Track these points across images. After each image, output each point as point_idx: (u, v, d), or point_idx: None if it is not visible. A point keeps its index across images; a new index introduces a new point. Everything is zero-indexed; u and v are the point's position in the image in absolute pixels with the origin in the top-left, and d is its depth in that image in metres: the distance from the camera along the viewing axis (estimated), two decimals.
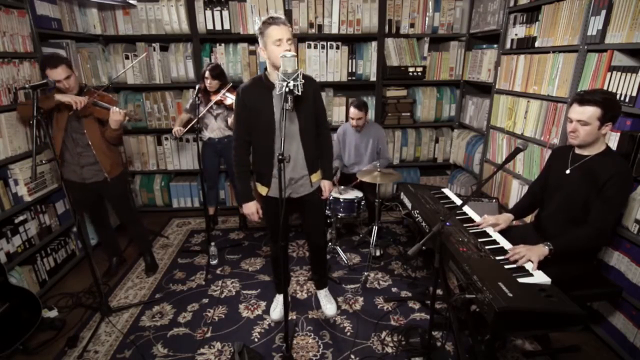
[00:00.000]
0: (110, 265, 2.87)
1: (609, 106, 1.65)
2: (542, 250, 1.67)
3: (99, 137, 2.43)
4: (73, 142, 2.39)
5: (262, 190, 2.07)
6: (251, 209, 2.07)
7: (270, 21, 1.77)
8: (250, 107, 1.91)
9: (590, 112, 1.67)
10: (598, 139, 1.75)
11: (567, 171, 1.86)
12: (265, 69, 1.93)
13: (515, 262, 1.66)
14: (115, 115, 2.31)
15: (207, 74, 2.97)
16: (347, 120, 3.71)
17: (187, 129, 3.04)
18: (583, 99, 1.69)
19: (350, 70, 3.63)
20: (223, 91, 3.01)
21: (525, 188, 2.59)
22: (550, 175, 1.99)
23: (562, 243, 1.71)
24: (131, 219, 2.76)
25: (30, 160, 2.45)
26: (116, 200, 2.65)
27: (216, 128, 3.17)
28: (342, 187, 3.06)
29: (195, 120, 2.81)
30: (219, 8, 3.34)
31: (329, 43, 3.50)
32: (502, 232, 1.96)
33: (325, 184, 2.15)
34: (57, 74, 2.21)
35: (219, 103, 3.04)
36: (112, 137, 2.46)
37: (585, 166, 1.79)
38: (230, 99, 3.00)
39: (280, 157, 1.62)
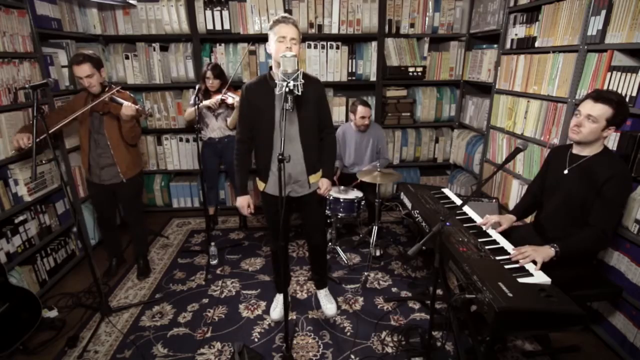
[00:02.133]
0: (110, 265, 2.86)
1: (620, 110, 1.65)
2: (548, 251, 1.67)
3: (117, 137, 2.46)
4: (95, 143, 2.45)
5: (260, 185, 2.11)
6: (242, 202, 2.11)
7: (281, 19, 1.83)
8: (253, 105, 1.95)
9: (602, 110, 1.66)
10: (598, 139, 1.75)
11: (565, 171, 1.86)
12: (271, 67, 1.95)
13: (517, 261, 1.65)
14: (127, 109, 2.33)
15: (208, 73, 2.98)
16: (347, 120, 3.71)
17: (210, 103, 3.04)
18: (599, 96, 1.68)
19: (350, 70, 3.62)
20: (224, 90, 3.01)
21: (525, 188, 2.59)
22: (548, 175, 1.99)
23: (567, 246, 1.70)
24: (137, 221, 2.76)
25: (30, 160, 2.45)
26: (128, 201, 2.67)
27: (217, 128, 3.17)
28: (342, 187, 3.06)
29: (197, 119, 2.81)
30: (219, 8, 3.34)
31: (329, 43, 3.50)
32: (502, 233, 1.96)
33: (324, 182, 2.12)
34: (80, 71, 2.27)
35: (221, 102, 3.03)
36: (127, 131, 2.46)
37: (583, 166, 1.79)
38: (231, 98, 3.00)
39: (280, 157, 1.63)
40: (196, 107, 2.77)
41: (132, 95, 2.53)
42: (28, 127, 2.36)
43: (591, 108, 1.70)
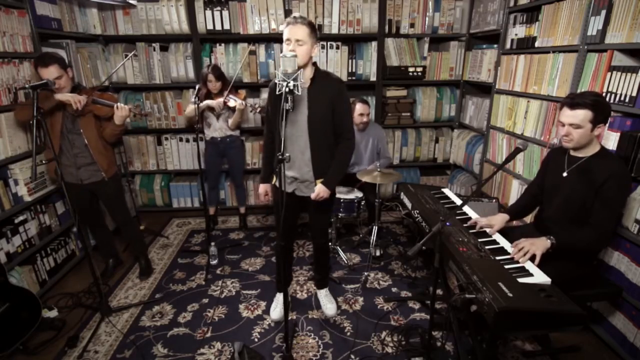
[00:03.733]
0: (107, 267, 2.85)
1: (599, 108, 1.66)
2: (544, 243, 1.68)
3: (96, 137, 2.41)
4: (69, 143, 2.38)
5: (274, 178, 2.15)
6: (260, 190, 2.22)
7: (289, 21, 1.85)
8: (272, 102, 2.01)
9: (581, 115, 1.68)
10: (592, 140, 1.75)
11: (564, 174, 1.86)
12: None
13: (518, 261, 1.65)
14: (121, 111, 2.30)
15: (210, 76, 2.96)
16: None
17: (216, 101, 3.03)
18: (574, 102, 1.69)
19: (350, 70, 3.62)
20: (226, 93, 3.01)
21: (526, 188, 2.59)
22: (547, 177, 1.98)
23: (565, 239, 1.71)
24: (125, 221, 2.72)
25: (30, 160, 2.45)
26: (111, 201, 2.63)
27: (218, 128, 3.18)
28: (345, 188, 3.06)
29: (198, 118, 2.79)
30: (219, 8, 3.34)
31: (329, 43, 3.50)
32: (502, 233, 1.96)
33: (318, 187, 2.00)
34: (48, 73, 2.18)
35: (224, 105, 3.03)
36: (114, 135, 2.45)
37: (581, 168, 1.79)
38: (233, 101, 2.99)
39: (280, 157, 1.63)
40: (196, 105, 2.71)
41: (113, 94, 2.49)
42: (23, 112, 2.24)
43: (570, 116, 1.71)
